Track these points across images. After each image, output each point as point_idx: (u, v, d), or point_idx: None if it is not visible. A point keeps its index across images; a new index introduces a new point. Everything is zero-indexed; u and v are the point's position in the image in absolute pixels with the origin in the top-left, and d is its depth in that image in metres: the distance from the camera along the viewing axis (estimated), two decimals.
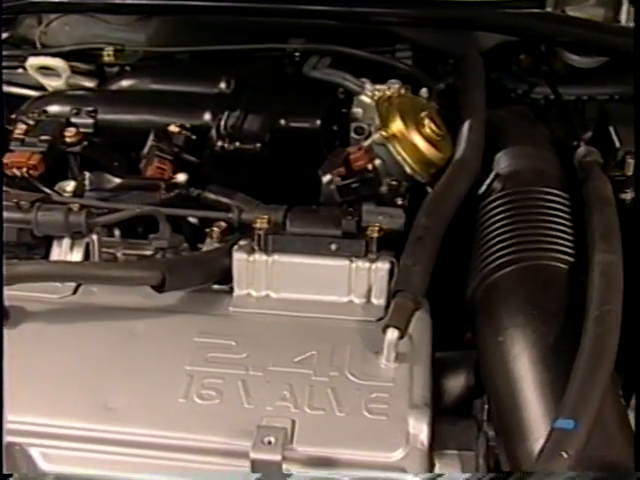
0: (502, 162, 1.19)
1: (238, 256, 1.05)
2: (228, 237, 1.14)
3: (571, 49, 1.45)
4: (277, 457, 0.82)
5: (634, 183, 1.10)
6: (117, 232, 1.17)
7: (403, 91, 1.28)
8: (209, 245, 1.14)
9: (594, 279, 0.93)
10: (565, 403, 0.81)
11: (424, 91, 1.32)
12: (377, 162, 1.18)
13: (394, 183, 1.18)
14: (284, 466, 0.83)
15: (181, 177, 1.22)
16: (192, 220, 1.21)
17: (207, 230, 1.15)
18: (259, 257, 1.04)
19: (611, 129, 1.23)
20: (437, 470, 0.99)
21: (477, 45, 1.48)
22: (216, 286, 1.08)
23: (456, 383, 1.07)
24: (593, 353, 0.85)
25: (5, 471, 0.83)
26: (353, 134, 1.25)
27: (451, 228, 1.10)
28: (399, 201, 1.17)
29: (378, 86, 1.29)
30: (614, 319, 0.89)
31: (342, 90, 1.36)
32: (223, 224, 1.15)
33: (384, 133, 1.15)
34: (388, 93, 1.23)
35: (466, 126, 1.20)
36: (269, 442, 0.83)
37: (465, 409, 1.03)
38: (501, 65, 1.66)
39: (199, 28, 1.50)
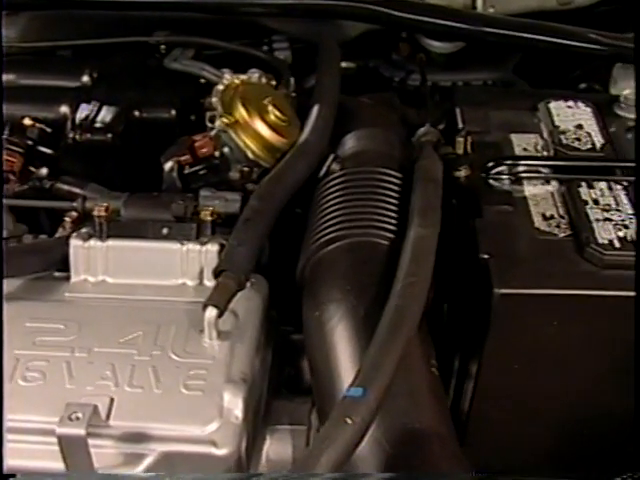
0: (347, 144, 1.22)
1: (74, 243, 1.07)
2: (80, 226, 1.16)
3: (430, 36, 1.49)
4: (81, 431, 0.84)
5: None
6: None
7: (264, 80, 1.32)
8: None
9: (405, 253, 0.97)
10: (358, 372, 0.84)
11: (292, 81, 1.37)
12: (225, 149, 1.21)
13: (245, 169, 1.21)
14: (91, 441, 0.85)
15: (43, 171, 1.25)
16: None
17: None
18: (94, 243, 1.06)
19: (457, 110, 1.27)
20: (267, 445, 1.03)
21: (343, 34, 1.52)
22: (57, 273, 1.10)
23: None
24: (390, 324, 0.88)
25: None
26: (208, 123, 1.27)
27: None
28: (250, 186, 1.19)
29: (241, 76, 1.32)
30: (417, 291, 0.92)
31: (205, 81, 1.39)
32: (74, 214, 1.17)
33: (226, 120, 1.18)
34: (236, 82, 1.25)
35: (314, 111, 1.23)
36: (77, 418, 0.85)
37: None
38: (381, 53, 1.71)
39: (70, 23, 1.51)
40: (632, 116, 1.27)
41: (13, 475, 0.85)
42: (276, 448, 1.02)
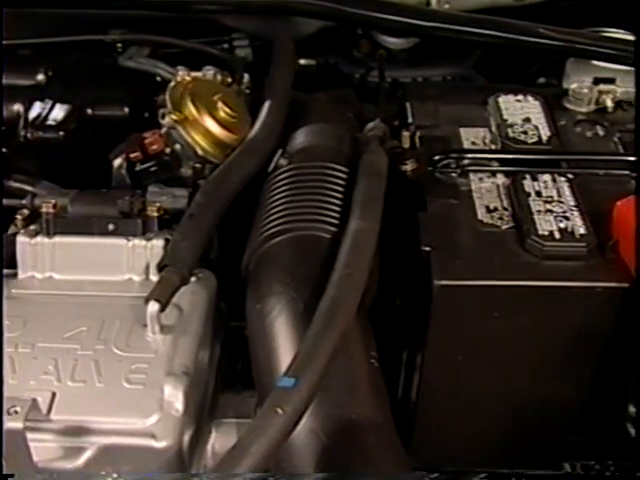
0: (296, 139, 1.23)
1: (21, 239, 1.08)
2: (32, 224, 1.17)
3: (385, 32, 1.50)
4: (19, 425, 0.85)
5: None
6: None
7: (219, 77, 1.32)
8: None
9: (344, 245, 0.97)
10: (291, 363, 0.85)
11: (247, 77, 1.38)
12: (176, 146, 1.21)
13: (198, 166, 1.22)
14: (30, 435, 0.86)
15: None
16: None
17: None
18: (41, 240, 1.07)
19: (407, 105, 1.28)
20: (213, 438, 1.04)
21: (299, 31, 1.52)
22: (5, 270, 1.10)
23: None
24: (325, 314, 0.88)
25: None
26: (160, 120, 1.28)
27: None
28: (202, 183, 1.20)
29: (194, 73, 1.33)
30: (354, 282, 0.93)
31: (161, 79, 1.40)
32: (26, 211, 1.18)
33: (174, 117, 1.19)
34: (187, 79, 1.26)
35: (265, 107, 1.24)
36: (15, 412, 0.86)
37: None
38: (341, 50, 1.72)
39: (27, 21, 1.52)
40: (580, 109, 1.28)
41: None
42: (222, 441, 1.03)
